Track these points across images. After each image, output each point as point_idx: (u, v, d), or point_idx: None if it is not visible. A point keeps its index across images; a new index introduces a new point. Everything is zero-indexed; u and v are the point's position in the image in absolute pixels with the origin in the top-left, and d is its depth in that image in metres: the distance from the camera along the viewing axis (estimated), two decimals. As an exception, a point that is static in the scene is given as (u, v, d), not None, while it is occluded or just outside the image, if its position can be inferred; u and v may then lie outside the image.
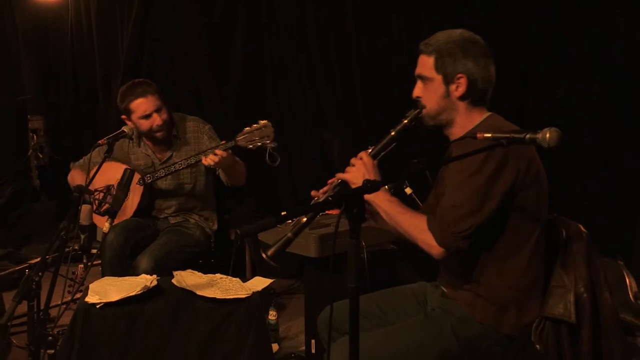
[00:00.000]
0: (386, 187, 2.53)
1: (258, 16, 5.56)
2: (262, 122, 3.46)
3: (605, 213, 4.24)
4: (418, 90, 2.44)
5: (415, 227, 2.25)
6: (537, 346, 2.20)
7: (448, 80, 2.36)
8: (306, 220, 2.22)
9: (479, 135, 2.12)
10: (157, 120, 3.75)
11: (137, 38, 6.16)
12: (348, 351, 1.86)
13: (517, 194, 2.22)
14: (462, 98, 2.37)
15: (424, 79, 2.41)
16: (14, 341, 3.78)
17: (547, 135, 1.91)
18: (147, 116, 3.75)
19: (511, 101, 4.40)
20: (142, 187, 3.74)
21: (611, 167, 4.31)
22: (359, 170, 2.35)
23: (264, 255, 2.26)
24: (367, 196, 2.29)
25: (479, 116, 2.39)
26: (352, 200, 1.76)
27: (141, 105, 3.73)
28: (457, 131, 2.42)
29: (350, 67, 5.22)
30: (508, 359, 2.30)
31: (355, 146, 4.84)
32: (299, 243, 3.52)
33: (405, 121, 2.42)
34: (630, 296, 2.89)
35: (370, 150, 2.43)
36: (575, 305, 2.17)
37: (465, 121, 2.39)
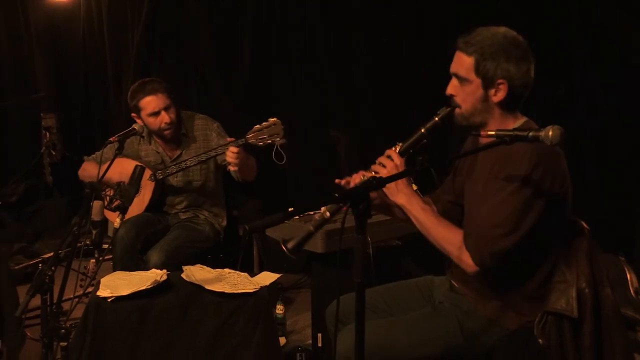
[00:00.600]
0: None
1: (265, 15, 5.57)
2: (271, 119, 3.46)
3: (607, 210, 4.24)
4: (452, 88, 2.31)
5: (451, 242, 2.22)
6: (540, 340, 2.20)
7: (487, 85, 2.23)
8: (329, 215, 2.20)
9: (482, 133, 2.11)
10: (165, 118, 3.75)
11: (147, 37, 6.18)
12: (354, 339, 1.87)
13: (548, 209, 2.16)
14: (500, 103, 2.26)
15: (460, 78, 2.28)
16: (28, 334, 3.79)
17: (550, 133, 1.89)
18: (156, 114, 3.75)
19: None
20: (153, 182, 3.76)
21: (612, 165, 4.30)
22: (389, 172, 2.27)
23: (284, 248, 2.23)
24: (400, 201, 2.29)
25: (513, 121, 2.30)
26: (358, 197, 1.76)
27: (150, 102, 3.74)
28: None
29: (357, 66, 5.22)
30: (511, 353, 2.29)
31: (362, 144, 4.89)
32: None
33: (437, 119, 2.32)
34: (631, 292, 2.89)
35: (398, 148, 2.36)
36: (578, 300, 2.16)
37: (499, 126, 2.26)
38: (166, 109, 3.75)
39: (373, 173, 2.34)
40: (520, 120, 2.31)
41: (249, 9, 5.62)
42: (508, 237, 2.12)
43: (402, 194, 2.30)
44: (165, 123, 3.76)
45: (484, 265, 2.17)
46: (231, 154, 3.44)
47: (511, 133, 2.00)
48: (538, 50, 2.25)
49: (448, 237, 2.24)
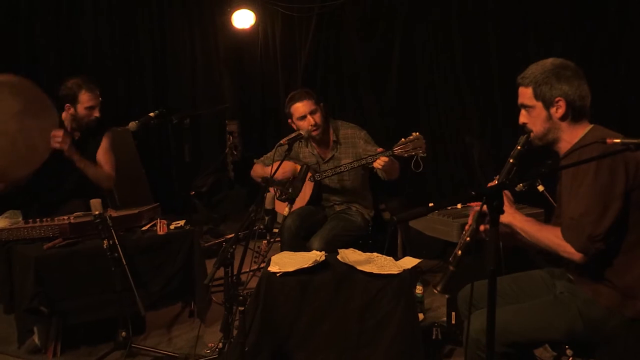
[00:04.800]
0: (521, 184, 2.46)
1: (411, 38, 5.53)
2: (414, 134, 3.40)
3: None
4: (523, 117, 2.39)
5: (553, 241, 2.18)
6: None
7: (548, 105, 2.30)
8: (461, 253, 2.23)
9: (608, 140, 1.98)
10: (310, 120, 3.77)
11: (312, 58, 6.30)
12: (485, 321, 1.82)
13: (631, 193, 2.12)
14: (562, 118, 2.30)
15: (526, 107, 2.36)
16: (214, 298, 3.96)
17: None
18: (303, 117, 3.80)
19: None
20: (313, 182, 3.81)
21: None
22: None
23: (435, 290, 2.26)
24: (506, 220, 2.28)
25: (582, 130, 2.31)
26: (492, 195, 1.71)
27: (298, 108, 3.79)
28: (564, 146, 2.34)
29: (490, 79, 5.07)
30: (630, 341, 2.16)
31: (493, 149, 4.73)
32: (443, 230, 3.48)
33: (519, 147, 2.37)
34: None
35: (496, 180, 2.40)
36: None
37: (571, 136, 2.31)
38: (311, 112, 3.78)
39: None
40: (588, 127, 2.32)
41: (396, 32, 5.60)
42: (598, 222, 2.09)
43: (506, 214, 2.24)
44: (311, 124, 3.78)
45: (587, 251, 2.11)
46: (381, 162, 3.45)
47: (636, 141, 1.87)
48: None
49: (550, 237, 2.20)
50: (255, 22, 6.57)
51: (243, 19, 6.51)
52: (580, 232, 2.10)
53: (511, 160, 2.37)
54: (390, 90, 5.71)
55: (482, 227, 2.34)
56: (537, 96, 2.31)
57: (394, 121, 5.62)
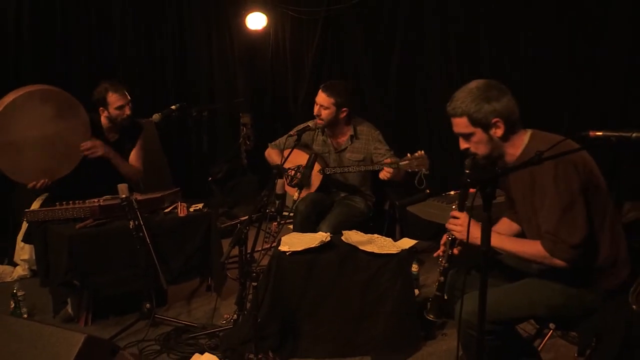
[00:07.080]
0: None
1: (410, 39, 5.48)
2: (419, 152, 3.35)
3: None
4: (463, 144, 2.27)
5: (537, 255, 2.12)
6: (634, 306, 2.04)
7: (487, 128, 2.19)
8: (444, 280, 2.32)
9: (591, 133, 1.95)
10: (315, 109, 3.78)
11: (318, 58, 6.27)
12: (474, 305, 1.83)
13: (586, 192, 2.07)
14: (503, 135, 2.19)
15: (465, 135, 2.24)
16: (229, 275, 3.97)
17: None
18: (315, 103, 3.79)
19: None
20: (322, 175, 3.79)
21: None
22: (463, 230, 2.22)
23: (428, 317, 2.31)
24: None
25: (522, 138, 2.22)
26: (486, 182, 1.69)
27: (319, 94, 3.77)
28: (509, 159, 2.25)
29: (480, 74, 5.02)
30: (607, 312, 2.16)
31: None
32: (438, 214, 3.46)
33: (468, 171, 2.25)
34: None
35: (455, 207, 2.34)
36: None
37: (514, 149, 2.22)
38: (322, 106, 3.75)
39: (450, 237, 2.38)
40: (527, 134, 2.23)
41: (397, 34, 5.55)
42: (575, 231, 2.04)
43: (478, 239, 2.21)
44: (316, 114, 3.78)
45: (573, 260, 2.07)
46: (387, 174, 3.42)
47: (617, 134, 1.83)
48: None
49: (533, 253, 2.14)
50: (267, 24, 6.54)
51: (256, 21, 6.49)
52: (563, 245, 2.05)
53: (465, 186, 2.27)
54: (391, 88, 5.67)
55: (455, 251, 2.36)
56: (474, 124, 2.18)
57: (395, 116, 5.57)
